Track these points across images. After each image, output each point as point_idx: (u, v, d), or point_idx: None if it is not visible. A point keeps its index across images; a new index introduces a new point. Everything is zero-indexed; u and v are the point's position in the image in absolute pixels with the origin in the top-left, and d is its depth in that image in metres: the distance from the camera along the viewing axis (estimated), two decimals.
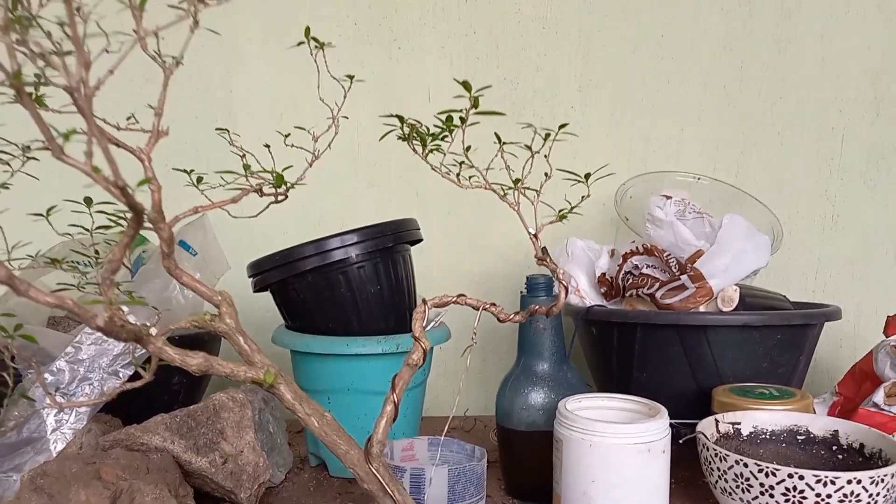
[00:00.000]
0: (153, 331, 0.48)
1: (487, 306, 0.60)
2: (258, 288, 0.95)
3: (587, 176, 0.62)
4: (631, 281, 1.06)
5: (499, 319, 0.61)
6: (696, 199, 1.15)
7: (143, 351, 0.76)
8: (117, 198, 0.38)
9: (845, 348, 1.45)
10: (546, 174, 0.60)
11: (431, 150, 0.58)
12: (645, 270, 1.05)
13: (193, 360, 0.49)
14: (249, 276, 0.95)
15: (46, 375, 0.79)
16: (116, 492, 0.68)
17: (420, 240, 1.00)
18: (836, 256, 1.43)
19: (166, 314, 0.87)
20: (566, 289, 0.57)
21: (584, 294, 1.11)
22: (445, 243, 1.38)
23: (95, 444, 0.79)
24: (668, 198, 1.09)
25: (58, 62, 0.37)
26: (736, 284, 1.02)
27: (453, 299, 0.59)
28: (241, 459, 0.80)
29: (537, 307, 0.60)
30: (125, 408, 0.85)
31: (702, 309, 1.00)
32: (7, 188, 0.54)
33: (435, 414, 1.30)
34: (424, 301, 0.58)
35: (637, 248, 1.07)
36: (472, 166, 0.59)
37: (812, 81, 1.40)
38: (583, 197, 0.63)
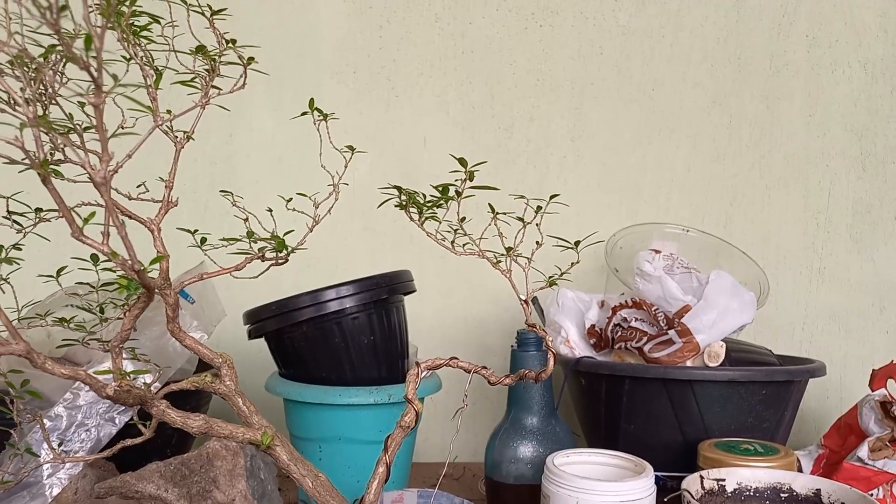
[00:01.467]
0: (155, 390, 0.50)
1: (479, 370, 0.62)
2: (253, 336, 0.97)
3: (577, 243, 0.65)
4: (620, 334, 1.08)
5: (489, 382, 0.63)
6: (684, 251, 1.18)
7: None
8: (132, 278, 0.40)
9: (832, 399, 1.48)
10: (537, 242, 0.63)
11: (427, 218, 0.61)
12: (633, 324, 1.07)
13: (195, 423, 0.50)
14: (245, 324, 0.97)
15: (45, 421, 0.81)
16: None
17: (413, 290, 1.02)
18: (822, 309, 1.46)
19: (163, 362, 0.89)
20: (555, 356, 0.59)
21: (574, 345, 1.13)
22: (439, 287, 1.40)
23: (90, 490, 0.80)
24: (657, 252, 1.11)
25: (78, 143, 0.39)
26: (722, 340, 1.04)
27: (445, 362, 0.61)
28: None
29: (527, 372, 0.62)
30: (120, 454, 0.87)
31: (688, 363, 1.03)
32: (20, 249, 0.56)
33: (425, 459, 1.31)
34: (418, 364, 0.60)
35: (626, 301, 1.09)
36: (466, 234, 0.61)
37: (799, 137, 1.44)
38: (572, 263, 0.65)
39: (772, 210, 1.45)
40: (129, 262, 0.38)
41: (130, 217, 0.51)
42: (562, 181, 1.42)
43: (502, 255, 0.62)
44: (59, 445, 0.82)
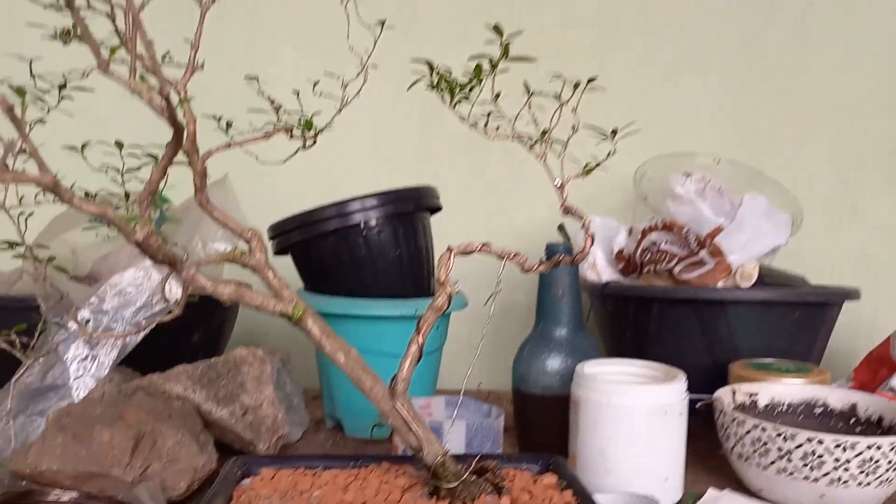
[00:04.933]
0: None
1: (512, 256, 0.60)
2: (278, 250, 0.96)
3: (614, 132, 0.63)
4: (649, 257, 1.06)
5: (522, 269, 0.61)
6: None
7: (163, 307, 0.77)
8: (159, 112, 0.39)
9: (861, 339, 1.45)
10: (573, 127, 0.61)
11: (459, 101, 0.59)
12: (663, 246, 1.05)
13: (225, 289, 0.49)
14: (270, 238, 0.96)
15: (71, 324, 0.81)
16: (139, 433, 0.69)
17: (439, 208, 1.01)
18: (853, 249, 1.43)
19: None
20: (592, 238, 0.57)
21: (601, 270, 1.11)
22: (461, 223, 1.38)
23: (118, 392, 0.80)
24: (689, 175, 1.09)
25: None
26: (756, 264, 1.02)
27: (478, 247, 0.60)
28: (261, 412, 0.81)
29: (562, 256, 0.60)
30: (145, 363, 0.87)
31: (720, 285, 1.01)
32: (43, 123, 0.55)
33: (448, 387, 1.30)
34: (450, 248, 0.59)
35: (656, 224, 1.07)
36: (502, 115, 0.59)
37: (832, 74, 1.39)
38: (609, 153, 0.63)
39: (803, 149, 1.41)
40: (160, 86, 0.36)
41: (156, 74, 0.49)
42: (589, 116, 1.39)
43: (536, 140, 0.60)
44: (87, 353, 0.82)
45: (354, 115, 0.70)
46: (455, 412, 0.57)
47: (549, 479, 0.59)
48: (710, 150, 1.40)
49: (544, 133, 0.59)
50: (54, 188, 0.38)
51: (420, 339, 0.56)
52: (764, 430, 0.72)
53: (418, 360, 0.56)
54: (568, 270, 0.87)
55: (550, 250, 0.87)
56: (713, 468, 0.87)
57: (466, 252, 0.60)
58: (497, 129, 0.60)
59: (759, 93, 1.40)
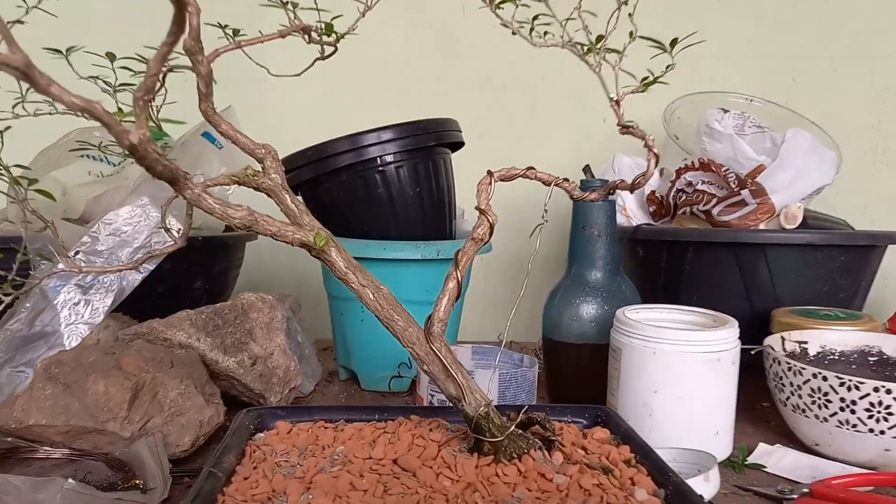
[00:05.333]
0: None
1: (560, 182, 0.53)
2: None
3: (673, 42, 0.55)
4: (684, 198, 0.99)
5: (571, 197, 0.54)
6: None
7: (167, 244, 0.70)
8: None
9: (890, 288, 1.39)
10: (630, 34, 0.53)
11: (504, 0, 0.51)
12: (700, 187, 0.98)
13: (236, 213, 0.42)
14: None
15: (60, 266, 0.73)
16: (138, 384, 0.62)
17: (461, 144, 0.93)
18: (885, 192, 1.36)
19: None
20: (657, 157, 0.50)
21: (631, 214, 1.04)
22: (476, 171, 1.30)
23: (114, 340, 0.73)
24: (727, 111, 1.01)
25: None
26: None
27: (522, 172, 0.52)
28: (272, 362, 0.74)
29: (620, 181, 0.53)
30: (143, 311, 0.79)
31: (762, 227, 0.93)
32: (22, 23, 0.47)
33: (464, 339, 1.24)
34: (490, 172, 0.52)
35: (692, 163, 0.99)
36: (549, 20, 0.51)
37: (868, 8, 1.30)
38: (668, 66, 0.55)
39: (836, 87, 1.33)
40: None
41: None
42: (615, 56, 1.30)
43: (589, 49, 0.52)
44: (80, 298, 0.75)
45: (363, 47, 0.61)
46: (497, 359, 0.50)
47: (601, 433, 0.52)
48: (739, 87, 1.32)
49: (600, 38, 0.51)
50: (27, 71, 0.30)
51: (459, 275, 0.48)
52: (825, 379, 0.66)
53: (457, 299, 0.49)
54: (604, 209, 0.80)
55: (585, 186, 0.80)
56: (758, 421, 0.81)
57: (508, 177, 0.52)
58: (545, 35, 0.52)
59: (794, 26, 1.31)
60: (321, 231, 0.46)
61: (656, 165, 0.49)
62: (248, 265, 1.08)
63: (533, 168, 0.53)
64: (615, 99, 0.51)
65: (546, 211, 0.52)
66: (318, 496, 0.42)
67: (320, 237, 0.45)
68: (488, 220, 0.49)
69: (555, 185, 0.53)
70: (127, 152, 0.36)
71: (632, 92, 0.54)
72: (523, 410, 0.49)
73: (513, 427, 0.47)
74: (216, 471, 0.44)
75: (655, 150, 0.49)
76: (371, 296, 0.47)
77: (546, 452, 0.47)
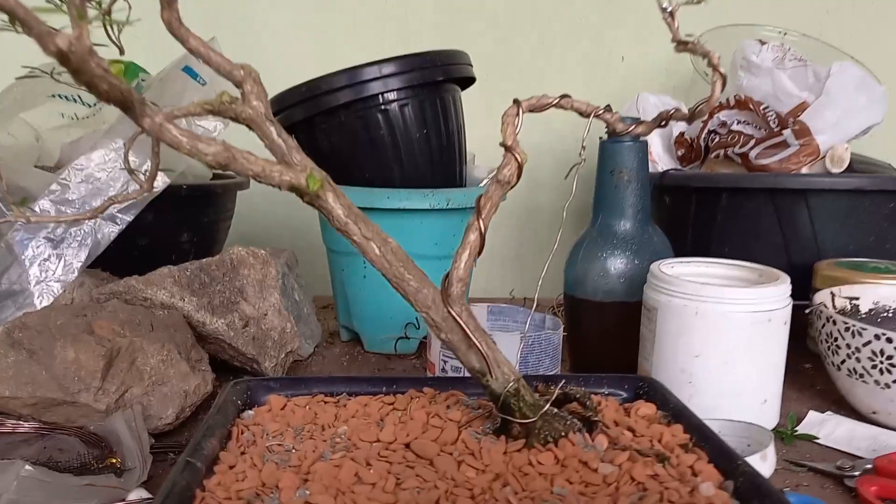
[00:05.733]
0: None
1: (599, 112, 0.45)
2: None
3: None
4: (717, 140, 0.90)
5: (613, 132, 0.46)
6: None
7: (147, 194, 0.62)
8: None
9: None
10: None
11: None
12: (735, 127, 0.89)
13: (209, 148, 0.34)
14: None
15: (29, 215, 0.65)
16: (113, 349, 0.55)
17: (472, 80, 0.84)
18: None
19: (170, 152, 0.72)
20: (724, 78, 0.41)
21: (658, 158, 0.95)
22: (482, 114, 1.21)
23: (88, 300, 0.66)
24: (765, 43, 0.91)
25: None
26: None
27: (554, 101, 0.44)
28: (265, 323, 0.67)
29: (675, 109, 0.44)
30: (125, 268, 0.72)
31: (804, 171, 0.85)
32: None
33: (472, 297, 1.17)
34: (517, 101, 0.43)
35: (726, 100, 0.90)
36: None
37: None
38: None
39: (874, 20, 1.23)
40: None
41: None
42: None
43: None
44: (50, 252, 0.67)
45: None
46: (527, 324, 0.43)
47: (646, 408, 0.45)
48: (769, 21, 1.22)
49: None
50: None
51: (482, 225, 0.40)
52: (889, 341, 0.58)
53: (479, 253, 0.41)
54: (635, 151, 0.71)
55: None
56: (803, 385, 0.74)
57: (539, 107, 0.44)
58: None
59: None
60: (315, 172, 0.37)
61: (723, 88, 0.41)
62: (239, 217, 1.00)
63: (568, 96, 0.44)
64: (669, 10, 0.42)
65: (584, 147, 0.44)
66: (316, 491, 0.35)
67: (314, 179, 0.37)
68: (516, 159, 0.41)
69: (594, 116, 0.44)
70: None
71: (686, 3, 0.45)
72: (559, 385, 0.42)
73: (547, 406, 0.40)
74: (194, 460, 0.37)
75: (722, 70, 0.40)
76: (377, 250, 0.39)
77: (587, 435, 0.40)
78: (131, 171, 0.42)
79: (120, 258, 0.73)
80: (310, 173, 0.37)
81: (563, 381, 0.42)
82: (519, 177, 0.42)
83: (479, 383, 0.40)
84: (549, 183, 1.22)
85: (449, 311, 0.39)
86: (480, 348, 0.39)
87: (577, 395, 0.41)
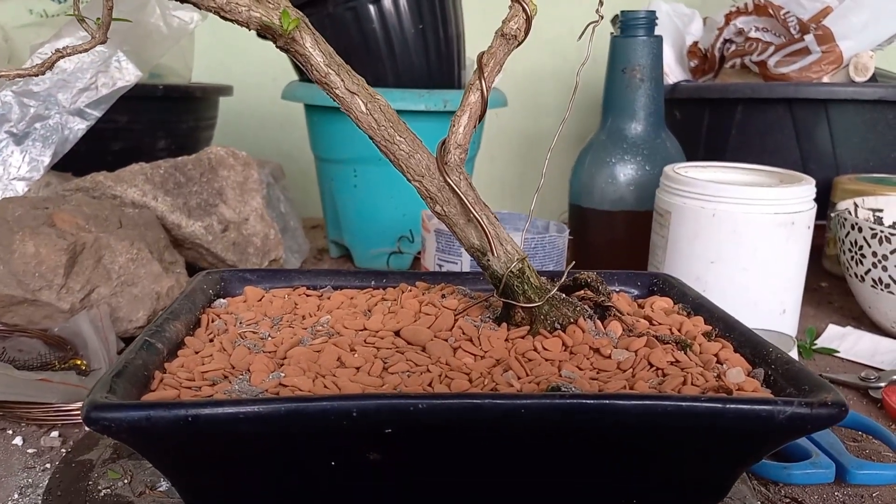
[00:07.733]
0: None
1: None
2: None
3: None
4: (734, 48, 0.84)
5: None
6: None
7: (119, 83, 0.57)
8: None
9: None
10: None
11: None
12: (753, 34, 0.83)
13: None
14: None
15: None
16: (77, 244, 0.50)
17: None
18: None
19: (142, 44, 0.67)
20: None
21: (669, 70, 0.90)
22: (483, 35, 1.14)
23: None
24: None
25: None
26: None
27: None
28: (246, 229, 0.62)
29: None
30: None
31: (825, 80, 0.79)
32: None
33: None
34: None
35: (744, 6, 0.84)
36: None
37: None
38: None
39: None
40: None
41: None
42: None
43: None
44: (13, 148, 0.62)
45: None
46: (527, 223, 0.38)
47: (662, 302, 0.40)
48: None
49: None
50: None
51: (485, 85, 0.35)
52: None
53: (481, 117, 0.36)
54: (649, 47, 0.66)
55: (627, 19, 0.65)
56: (819, 302, 0.70)
57: None
58: None
59: None
60: (289, 9, 0.32)
61: None
62: (224, 131, 0.95)
63: None
64: None
65: (602, 4, 0.38)
66: (292, 373, 0.31)
67: (287, 17, 0.32)
68: (524, 10, 0.36)
69: None
70: None
71: None
72: (566, 272, 0.37)
73: (555, 290, 0.35)
74: (154, 341, 0.32)
75: None
76: (363, 107, 0.34)
77: (599, 322, 0.35)
78: (81, 20, 0.36)
79: (92, 162, 0.67)
80: (283, 10, 0.32)
81: (572, 265, 0.38)
82: (527, 32, 0.36)
83: (478, 263, 0.36)
84: (553, 107, 1.16)
85: (446, 180, 0.34)
86: (480, 221, 0.34)
87: (589, 281, 0.37)
